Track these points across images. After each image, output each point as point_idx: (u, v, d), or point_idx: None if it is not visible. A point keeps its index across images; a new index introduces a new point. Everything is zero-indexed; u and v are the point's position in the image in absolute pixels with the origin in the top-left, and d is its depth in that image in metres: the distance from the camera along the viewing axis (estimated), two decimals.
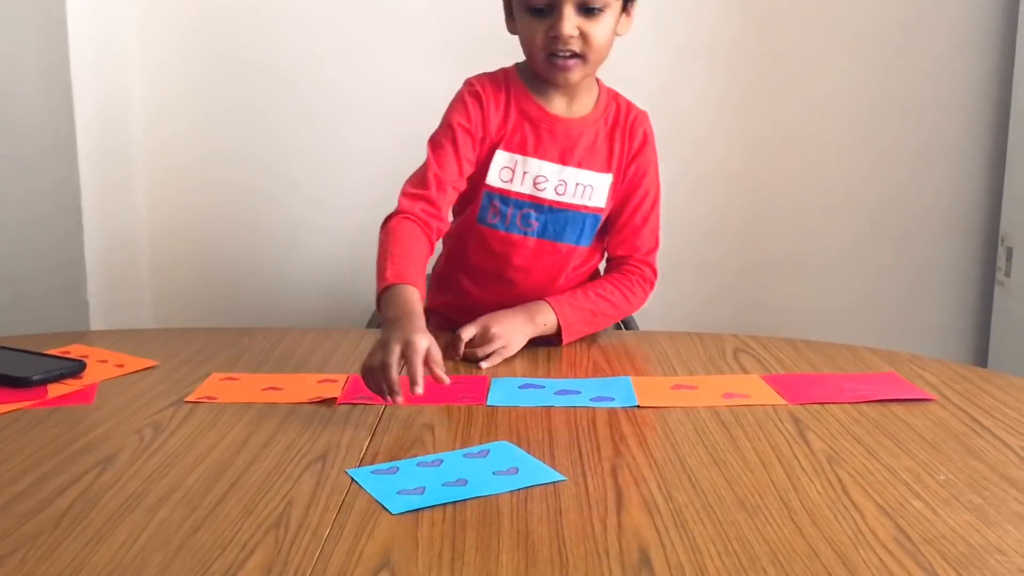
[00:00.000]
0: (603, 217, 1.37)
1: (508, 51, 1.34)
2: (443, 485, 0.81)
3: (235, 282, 2.05)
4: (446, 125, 1.32)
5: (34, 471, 0.84)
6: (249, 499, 0.78)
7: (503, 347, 1.22)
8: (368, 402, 1.03)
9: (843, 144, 2.03)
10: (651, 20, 1.96)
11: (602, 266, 1.45)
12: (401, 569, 0.67)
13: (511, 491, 0.80)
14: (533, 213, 1.33)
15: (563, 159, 1.33)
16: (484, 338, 1.22)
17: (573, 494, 0.79)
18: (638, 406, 1.02)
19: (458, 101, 1.34)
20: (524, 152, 1.33)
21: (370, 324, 1.66)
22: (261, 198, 2.03)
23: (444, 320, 1.41)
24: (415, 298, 1.12)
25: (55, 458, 0.87)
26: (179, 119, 1.99)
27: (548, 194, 1.33)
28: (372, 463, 0.86)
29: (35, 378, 1.08)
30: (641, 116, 1.39)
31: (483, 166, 1.33)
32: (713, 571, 0.66)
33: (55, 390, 1.07)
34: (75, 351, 1.22)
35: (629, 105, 1.39)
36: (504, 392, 1.07)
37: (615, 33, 1.30)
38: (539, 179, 1.32)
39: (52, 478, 0.82)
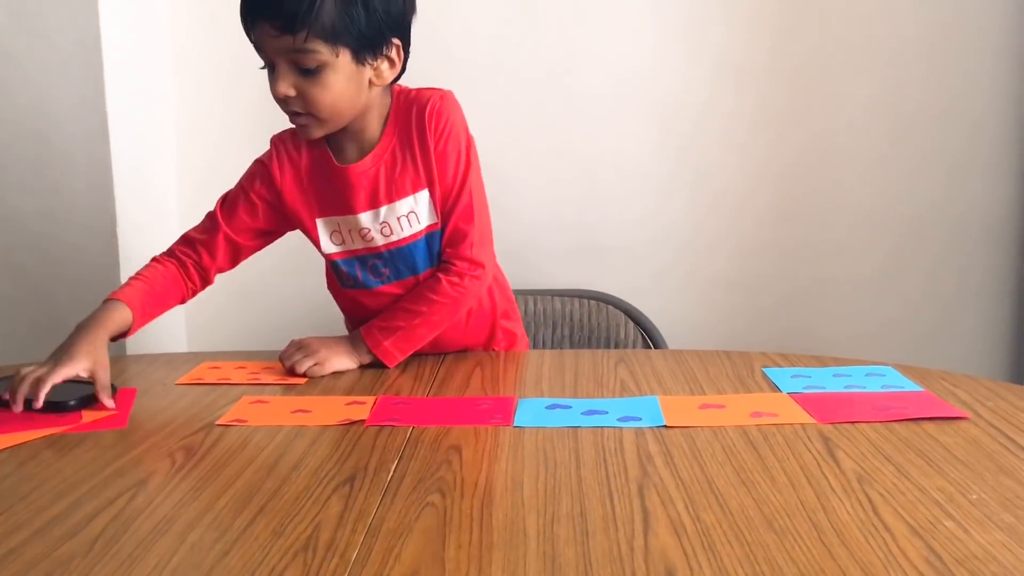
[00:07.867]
0: (441, 228, 1.31)
1: None
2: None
3: (267, 302, 2.07)
4: (240, 188, 1.35)
5: (68, 495, 0.85)
6: (278, 522, 0.79)
7: (317, 364, 1.25)
8: (396, 424, 1.03)
9: (874, 158, 2.02)
10: (683, 41, 1.98)
11: None
12: None
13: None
14: (379, 263, 1.33)
15: (372, 204, 1.29)
16: (304, 350, 1.27)
17: (600, 516, 0.79)
18: (665, 426, 1.02)
19: (256, 166, 1.35)
20: (337, 213, 1.31)
21: None
22: None
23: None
24: (116, 316, 1.21)
25: (89, 482, 0.88)
26: (212, 137, 2.00)
27: (378, 241, 1.31)
28: (400, 484, 0.86)
29: (71, 403, 1.10)
30: (424, 107, 1.27)
31: (314, 239, 1.34)
32: None
33: (90, 415, 1.09)
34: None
35: (413, 101, 1.28)
36: (531, 413, 1.07)
37: (368, 84, 1.21)
38: (364, 231, 1.30)
39: (86, 502, 0.84)
